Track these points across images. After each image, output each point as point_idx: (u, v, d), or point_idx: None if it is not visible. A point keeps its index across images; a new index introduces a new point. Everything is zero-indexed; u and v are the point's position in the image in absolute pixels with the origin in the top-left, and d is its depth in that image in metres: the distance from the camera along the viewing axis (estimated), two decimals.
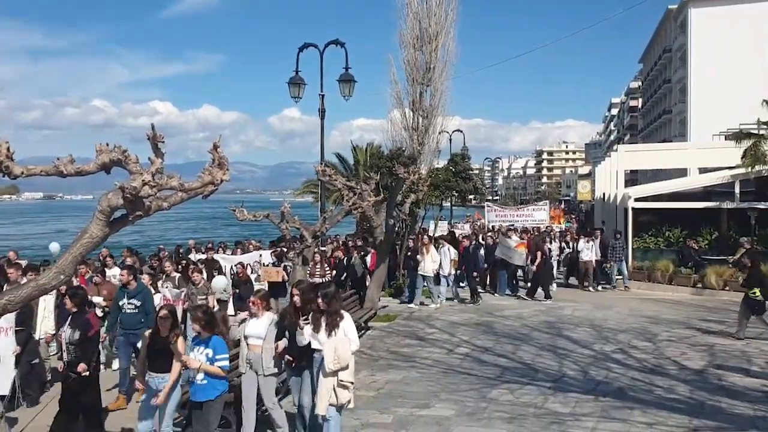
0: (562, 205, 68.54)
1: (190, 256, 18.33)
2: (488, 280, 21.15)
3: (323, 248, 20.15)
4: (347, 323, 7.53)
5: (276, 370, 8.15)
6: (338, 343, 7.27)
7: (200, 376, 7.19)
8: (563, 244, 25.08)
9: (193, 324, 7.52)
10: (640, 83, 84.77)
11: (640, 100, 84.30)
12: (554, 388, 10.13)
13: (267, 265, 17.27)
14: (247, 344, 7.98)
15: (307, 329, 7.68)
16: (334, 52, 19.74)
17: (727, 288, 19.29)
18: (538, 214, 31.67)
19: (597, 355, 12.32)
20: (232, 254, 19.85)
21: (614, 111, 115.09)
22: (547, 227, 29.56)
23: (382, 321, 15.87)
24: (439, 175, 24.85)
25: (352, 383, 7.46)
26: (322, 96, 19.24)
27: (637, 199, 23.05)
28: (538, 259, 19.59)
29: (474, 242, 20.96)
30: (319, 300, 7.60)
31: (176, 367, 7.54)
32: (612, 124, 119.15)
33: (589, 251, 21.24)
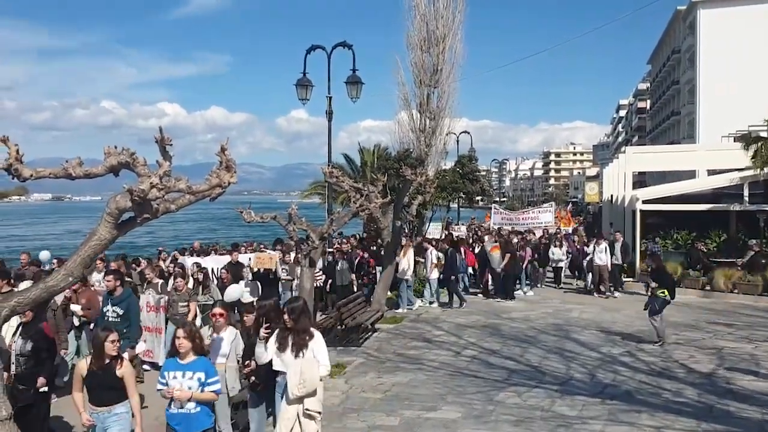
0: (569, 207, 68.28)
1: (184, 259, 17.45)
2: (488, 282, 20.57)
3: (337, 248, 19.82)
4: (317, 343, 6.66)
5: (238, 391, 7.70)
6: (305, 366, 6.42)
7: (192, 404, 6.29)
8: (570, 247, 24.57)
9: (183, 342, 6.47)
10: (648, 84, 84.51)
11: (649, 101, 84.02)
12: (561, 391, 10.10)
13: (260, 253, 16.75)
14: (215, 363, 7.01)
15: (271, 344, 6.77)
16: (341, 54, 19.80)
17: (736, 291, 19.21)
18: (544, 216, 31.02)
19: (604, 357, 12.28)
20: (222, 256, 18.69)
21: (622, 112, 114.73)
22: (557, 230, 29.03)
23: (389, 323, 15.86)
24: (447, 177, 24.89)
25: (319, 413, 6.63)
26: (330, 98, 19.28)
27: (645, 201, 22.96)
28: (505, 260, 19.23)
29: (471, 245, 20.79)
30: (286, 315, 6.73)
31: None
32: (620, 125, 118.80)
33: (602, 254, 20.16)
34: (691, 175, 31.44)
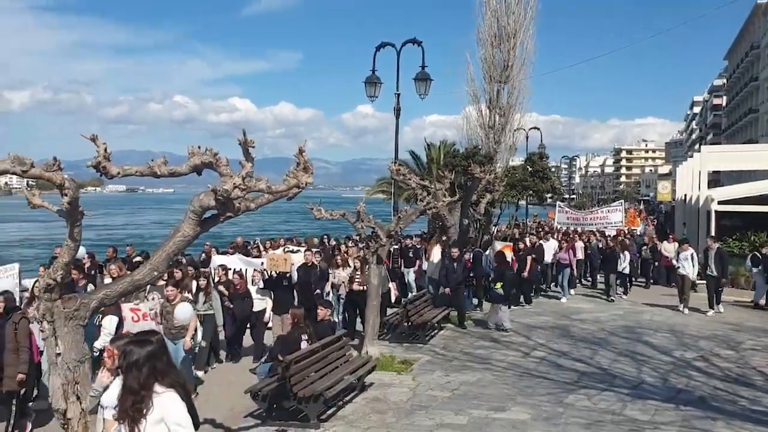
0: (641, 206, 66.66)
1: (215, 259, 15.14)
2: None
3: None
4: (169, 409, 4.05)
5: None
6: None
7: None
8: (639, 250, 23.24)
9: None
10: (724, 81, 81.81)
11: (725, 98, 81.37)
12: (633, 394, 9.93)
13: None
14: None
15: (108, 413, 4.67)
16: (408, 51, 19.78)
17: None
18: (614, 216, 29.57)
19: (677, 362, 12.00)
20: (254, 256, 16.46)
21: (696, 109, 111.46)
22: (620, 232, 27.58)
23: (454, 322, 15.82)
24: (516, 175, 24.65)
25: None
26: (398, 95, 19.28)
27: (720, 202, 22.28)
28: (528, 265, 18.16)
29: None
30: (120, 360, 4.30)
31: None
32: (694, 122, 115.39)
33: (686, 262, 17.53)
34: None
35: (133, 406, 4.05)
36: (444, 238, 17.81)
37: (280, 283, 13.04)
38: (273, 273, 13.08)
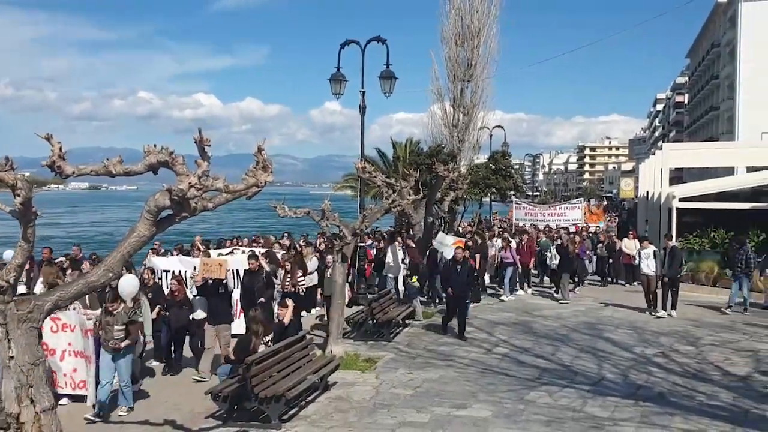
0: (605, 202, 67.46)
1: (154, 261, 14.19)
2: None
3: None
4: None
5: None
6: None
7: None
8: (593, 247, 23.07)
9: None
10: (686, 79, 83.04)
11: (687, 95, 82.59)
12: (593, 391, 10.04)
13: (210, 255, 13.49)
14: None
15: None
16: (375, 48, 19.74)
17: None
18: (572, 213, 29.50)
19: (637, 358, 12.16)
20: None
21: (659, 107, 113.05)
22: (579, 228, 27.50)
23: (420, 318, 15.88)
24: (479, 173, 24.79)
25: None
26: (363, 93, 19.22)
27: (681, 199, 22.63)
28: (477, 263, 17.92)
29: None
30: None
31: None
32: (657, 120, 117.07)
33: (650, 260, 16.74)
34: (729, 172, 30.90)
35: None
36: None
37: (216, 290, 11.55)
38: (208, 279, 11.59)
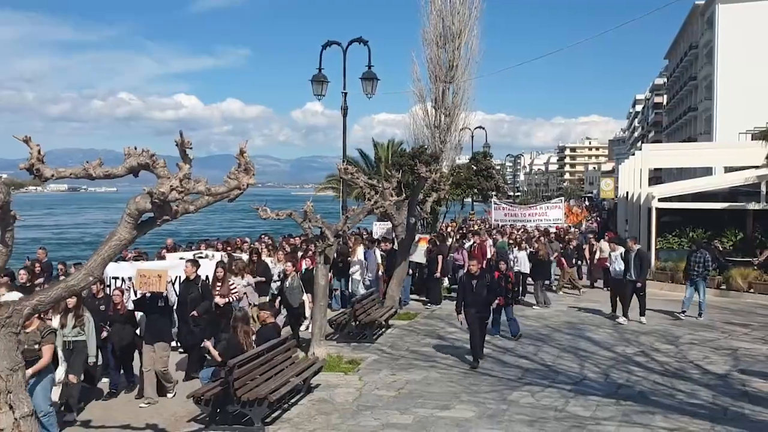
0: (586, 203, 67.89)
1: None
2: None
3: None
4: None
5: None
6: None
7: None
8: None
9: None
10: (665, 80, 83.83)
11: (665, 96, 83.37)
12: (575, 390, 10.11)
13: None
14: None
15: None
16: (357, 49, 19.78)
17: (752, 290, 19.08)
18: (553, 213, 29.72)
19: (618, 357, 12.26)
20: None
21: (639, 107, 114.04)
22: (560, 229, 27.18)
23: (402, 319, 15.89)
24: (461, 174, 24.86)
25: None
26: (345, 94, 19.24)
27: (660, 199, 22.84)
28: (440, 264, 17.84)
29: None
30: None
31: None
32: (636, 120, 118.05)
33: (617, 263, 15.98)
34: (707, 172, 31.21)
35: None
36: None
37: (154, 304, 10.35)
38: (145, 293, 10.40)
